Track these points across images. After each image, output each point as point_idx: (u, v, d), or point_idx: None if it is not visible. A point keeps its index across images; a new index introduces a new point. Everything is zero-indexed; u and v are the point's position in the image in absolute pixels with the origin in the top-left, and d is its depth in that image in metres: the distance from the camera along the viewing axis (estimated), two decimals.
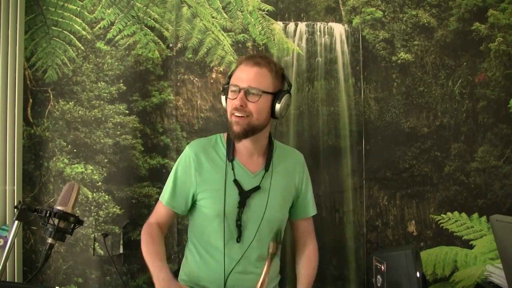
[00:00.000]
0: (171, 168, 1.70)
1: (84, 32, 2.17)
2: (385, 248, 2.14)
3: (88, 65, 2.17)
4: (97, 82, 2.16)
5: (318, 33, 2.20)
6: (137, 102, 2.16)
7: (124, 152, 2.15)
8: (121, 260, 2.12)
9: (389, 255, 1.78)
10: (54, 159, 2.14)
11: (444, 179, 2.21)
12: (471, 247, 2.20)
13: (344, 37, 2.20)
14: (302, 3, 2.22)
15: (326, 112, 2.20)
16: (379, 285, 1.79)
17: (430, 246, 2.20)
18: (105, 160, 2.14)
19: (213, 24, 2.19)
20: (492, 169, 2.21)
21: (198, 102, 2.18)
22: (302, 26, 2.20)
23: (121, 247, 2.11)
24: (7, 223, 2.01)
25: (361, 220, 2.19)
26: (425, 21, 2.22)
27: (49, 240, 1.34)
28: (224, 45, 2.18)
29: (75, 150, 2.15)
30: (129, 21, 2.17)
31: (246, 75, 1.54)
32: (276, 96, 1.56)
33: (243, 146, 1.64)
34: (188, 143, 1.72)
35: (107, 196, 2.14)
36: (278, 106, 1.55)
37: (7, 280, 1.94)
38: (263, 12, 2.20)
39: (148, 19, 2.18)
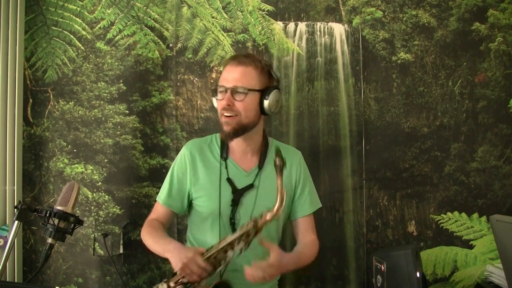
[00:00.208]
0: None
1: (84, 32, 2.17)
2: (385, 248, 2.14)
3: (88, 65, 2.17)
4: (97, 82, 2.16)
5: (318, 33, 2.20)
6: (137, 102, 2.16)
7: (124, 152, 2.14)
8: (121, 260, 2.12)
9: (389, 255, 1.78)
10: (54, 159, 2.14)
11: (444, 179, 2.21)
12: (471, 247, 2.20)
13: (344, 37, 2.20)
14: (302, 3, 2.22)
15: (326, 112, 2.20)
16: (379, 285, 1.79)
17: (430, 246, 2.20)
18: (105, 160, 2.14)
19: (213, 24, 2.19)
20: (492, 169, 2.21)
21: (198, 102, 2.18)
22: (302, 26, 2.20)
23: (121, 247, 2.11)
24: (7, 223, 2.01)
25: (361, 220, 2.19)
26: (425, 21, 2.22)
27: (49, 240, 1.34)
28: (224, 45, 2.18)
29: (75, 150, 2.15)
30: (129, 21, 2.17)
31: (231, 75, 1.57)
32: (264, 93, 1.57)
33: (236, 144, 1.66)
34: None
35: (107, 196, 2.14)
36: (266, 102, 1.57)
37: (7, 280, 1.94)
38: (263, 12, 2.20)
39: (148, 19, 2.18)
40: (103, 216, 2.13)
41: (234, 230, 1.60)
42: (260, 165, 1.67)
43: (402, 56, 2.21)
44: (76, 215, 1.39)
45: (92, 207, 2.13)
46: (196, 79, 2.18)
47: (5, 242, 1.94)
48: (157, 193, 1.75)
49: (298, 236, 1.74)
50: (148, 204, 2.13)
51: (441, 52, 2.23)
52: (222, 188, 1.63)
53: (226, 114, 1.57)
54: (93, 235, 2.12)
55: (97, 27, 2.17)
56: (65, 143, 2.15)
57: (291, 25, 2.20)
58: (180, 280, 1.46)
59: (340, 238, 2.18)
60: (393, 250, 1.88)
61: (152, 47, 2.17)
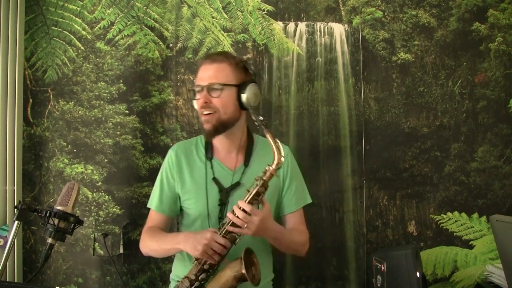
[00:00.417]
0: None
1: (84, 32, 2.17)
2: (385, 248, 2.14)
3: (88, 65, 2.17)
4: (97, 82, 2.16)
5: (318, 33, 2.20)
6: (137, 102, 2.16)
7: (124, 152, 2.14)
8: (121, 260, 2.12)
9: (389, 255, 1.78)
10: (54, 159, 2.14)
11: (444, 179, 2.21)
12: (471, 247, 2.20)
13: (344, 37, 2.20)
14: (302, 3, 2.22)
15: (326, 112, 2.20)
16: (379, 285, 1.79)
17: (430, 246, 2.20)
18: (105, 160, 2.14)
19: (213, 24, 2.19)
20: (492, 169, 2.21)
21: None
22: (302, 26, 2.20)
23: (121, 247, 2.11)
24: (7, 223, 2.01)
25: (361, 220, 2.19)
26: (425, 21, 2.22)
27: (49, 240, 1.34)
28: (224, 45, 2.18)
29: (75, 150, 2.15)
30: (129, 21, 2.17)
31: (206, 73, 1.59)
32: (240, 87, 1.58)
33: (220, 143, 1.66)
34: None
35: (107, 196, 2.13)
36: (244, 96, 1.57)
37: (7, 280, 1.94)
38: (263, 12, 2.20)
39: (148, 19, 2.18)
40: (103, 216, 2.13)
41: None
42: (246, 163, 1.66)
43: (402, 56, 2.21)
44: (76, 215, 1.38)
45: (92, 207, 2.13)
46: (196, 79, 2.18)
47: (5, 242, 1.94)
48: None
49: None
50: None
51: (441, 52, 2.23)
52: (208, 188, 1.63)
53: (204, 112, 1.58)
54: (93, 235, 2.12)
55: (97, 27, 2.17)
56: (65, 143, 2.15)
57: (291, 25, 2.20)
58: (200, 268, 1.46)
59: (340, 238, 2.18)
60: (393, 250, 1.88)
61: (152, 47, 2.17)
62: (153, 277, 2.13)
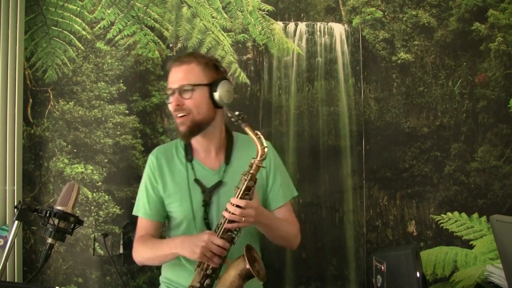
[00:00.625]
0: None
1: (84, 32, 2.17)
2: (385, 248, 2.14)
3: (88, 65, 2.17)
4: (97, 82, 2.16)
5: (318, 33, 2.20)
6: (137, 102, 2.16)
7: (124, 152, 2.14)
8: (121, 260, 2.12)
9: (389, 255, 1.78)
10: (54, 159, 2.14)
11: (444, 179, 2.21)
12: (471, 247, 2.20)
13: (344, 37, 2.20)
14: (302, 3, 2.22)
15: (326, 112, 2.20)
16: (379, 285, 1.79)
17: (430, 246, 2.20)
18: (105, 160, 2.14)
19: (213, 24, 2.19)
20: (492, 169, 2.21)
21: None
22: (302, 26, 2.20)
23: (121, 247, 2.11)
24: (7, 223, 2.01)
25: (361, 220, 2.19)
26: (425, 21, 2.22)
27: (49, 240, 1.34)
28: (224, 45, 2.18)
29: (75, 150, 2.15)
30: (129, 21, 2.17)
31: (175, 76, 1.59)
32: (212, 86, 1.56)
33: (198, 144, 1.65)
34: None
35: (107, 196, 2.13)
36: (216, 95, 1.56)
37: (7, 280, 1.94)
38: (263, 12, 2.20)
39: (148, 19, 2.18)
40: (103, 216, 2.13)
41: (209, 230, 1.57)
42: (227, 161, 1.65)
43: (402, 56, 2.21)
44: (76, 215, 1.38)
45: (92, 207, 2.13)
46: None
47: (5, 242, 1.94)
48: None
49: None
50: None
51: (441, 52, 2.23)
52: (191, 190, 1.62)
53: (178, 114, 1.57)
54: (93, 235, 2.12)
55: (97, 27, 2.17)
56: (65, 143, 2.15)
57: (291, 25, 2.20)
58: (204, 274, 1.45)
59: (340, 238, 2.18)
60: (393, 250, 1.88)
61: (152, 47, 2.17)
62: (153, 277, 2.12)
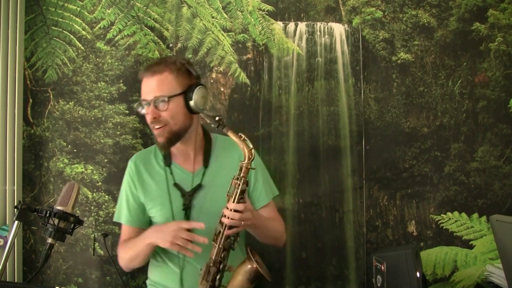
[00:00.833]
0: None
1: (84, 32, 2.17)
2: (385, 248, 2.14)
3: (88, 65, 2.17)
4: (97, 82, 2.16)
5: (318, 33, 2.20)
6: (137, 102, 2.15)
7: (124, 152, 2.14)
8: None
9: (389, 255, 1.78)
10: (54, 159, 2.14)
11: (444, 179, 2.21)
12: (471, 247, 2.20)
13: (344, 37, 2.20)
14: (302, 3, 2.22)
15: (326, 112, 2.20)
16: (379, 285, 1.79)
17: (430, 246, 2.20)
18: (105, 160, 2.14)
19: (213, 24, 2.19)
20: (492, 169, 2.21)
21: None
22: (302, 26, 2.20)
23: None
24: (7, 223, 2.01)
25: (361, 220, 2.19)
26: (425, 21, 2.22)
27: (49, 240, 1.34)
28: (224, 45, 2.18)
29: (75, 150, 2.15)
30: (129, 21, 2.17)
31: (149, 87, 1.57)
32: (187, 94, 1.54)
33: (176, 149, 1.64)
34: None
35: (107, 196, 2.14)
36: (192, 103, 1.54)
37: (7, 280, 1.94)
38: (263, 12, 2.20)
39: (148, 19, 2.18)
40: (103, 216, 2.13)
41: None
42: (206, 164, 1.64)
43: (402, 56, 2.21)
44: (76, 215, 1.38)
45: (92, 207, 2.13)
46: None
47: (5, 242, 1.94)
48: None
49: None
50: None
51: (441, 52, 2.23)
52: (171, 194, 1.61)
53: (155, 126, 1.55)
54: (93, 235, 2.12)
55: (97, 27, 2.17)
56: (65, 143, 2.15)
57: (291, 25, 2.20)
58: (211, 266, 1.43)
59: (340, 238, 2.18)
60: (393, 250, 1.88)
61: (152, 47, 2.17)
62: None
